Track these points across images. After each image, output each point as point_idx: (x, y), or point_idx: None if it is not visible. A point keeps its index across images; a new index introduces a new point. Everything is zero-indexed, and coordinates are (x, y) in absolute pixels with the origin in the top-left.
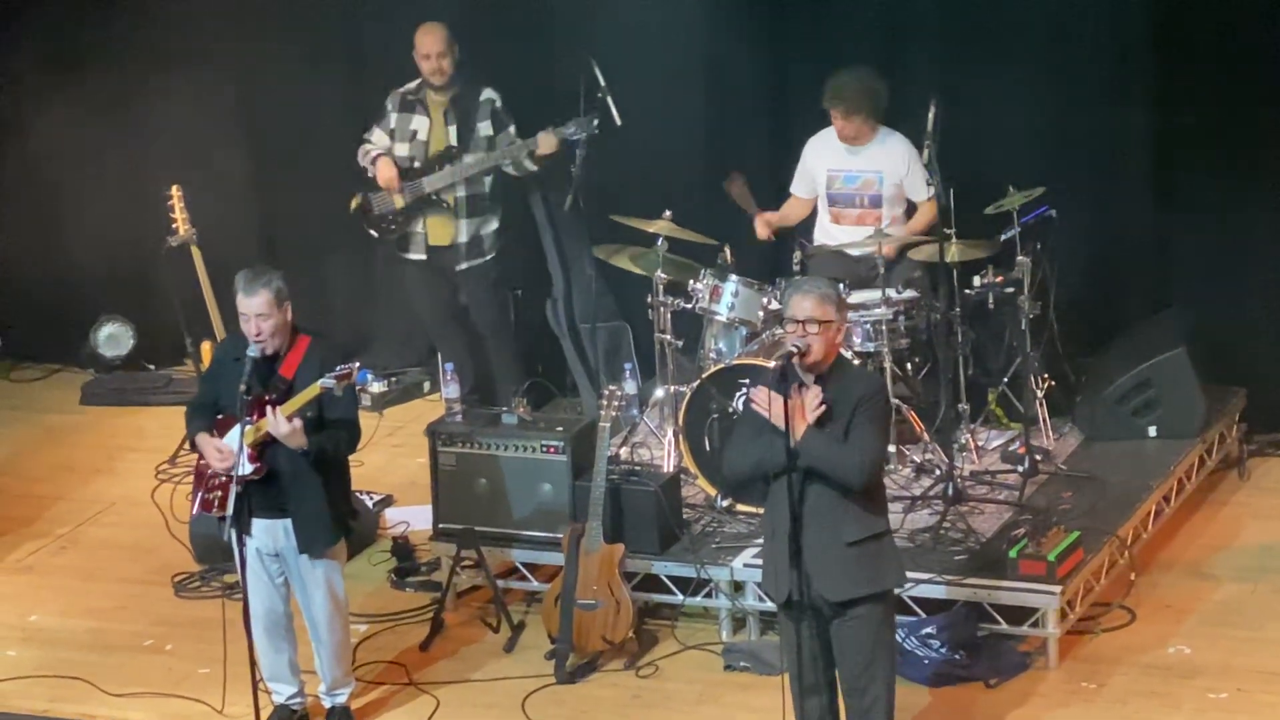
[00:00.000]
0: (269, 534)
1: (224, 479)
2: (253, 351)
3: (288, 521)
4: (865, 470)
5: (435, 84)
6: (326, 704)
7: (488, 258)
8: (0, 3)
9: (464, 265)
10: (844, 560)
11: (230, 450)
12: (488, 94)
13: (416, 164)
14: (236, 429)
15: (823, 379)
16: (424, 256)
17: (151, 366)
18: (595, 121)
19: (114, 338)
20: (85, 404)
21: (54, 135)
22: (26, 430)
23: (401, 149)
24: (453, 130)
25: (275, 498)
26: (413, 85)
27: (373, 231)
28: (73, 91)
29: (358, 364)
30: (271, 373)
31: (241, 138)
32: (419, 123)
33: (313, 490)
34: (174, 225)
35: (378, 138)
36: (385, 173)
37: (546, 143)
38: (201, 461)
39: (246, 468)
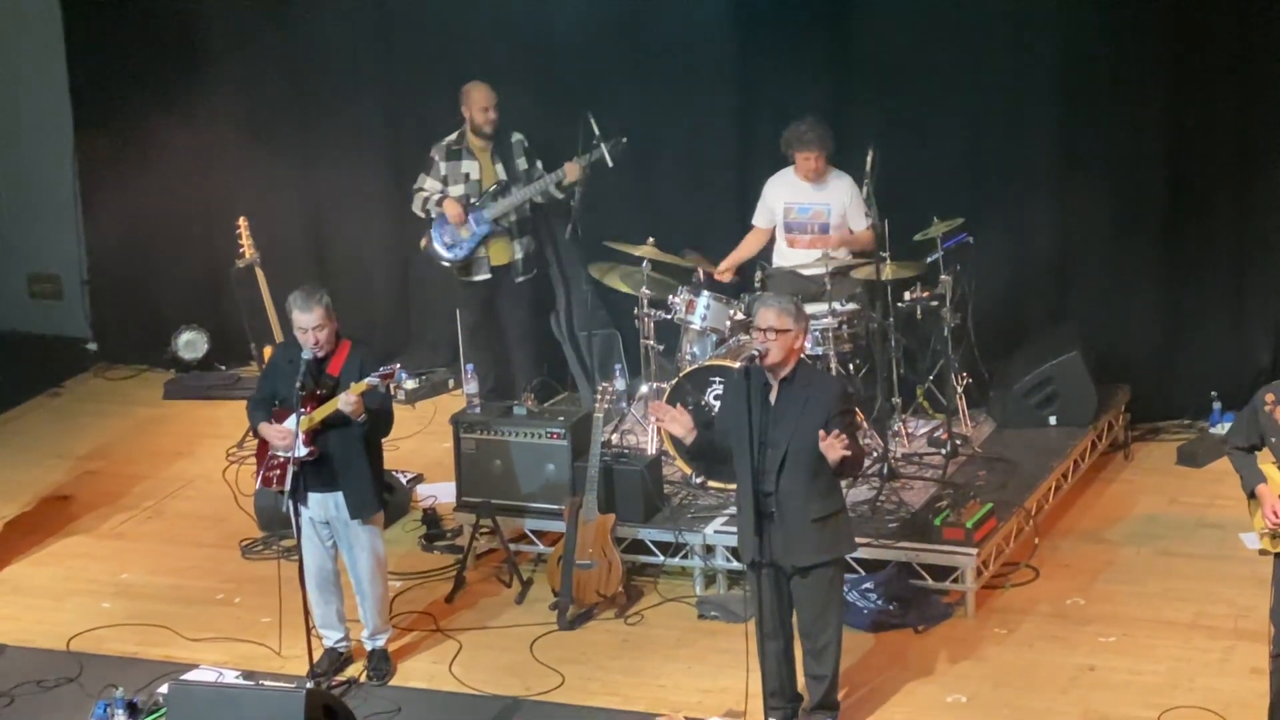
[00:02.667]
0: (321, 505)
1: (283, 460)
2: (306, 355)
3: (338, 495)
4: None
5: (486, 133)
6: (368, 647)
7: (534, 273)
8: (108, 57)
9: (521, 278)
10: (809, 532)
11: (289, 431)
12: (516, 136)
13: (473, 200)
14: (293, 418)
15: (789, 379)
16: (488, 276)
17: (222, 367)
18: (609, 148)
19: (191, 343)
20: (167, 399)
21: (144, 175)
22: (119, 421)
23: (457, 190)
24: (499, 168)
25: (326, 475)
26: (453, 136)
27: (443, 262)
28: (160, 140)
29: (398, 364)
30: (321, 372)
31: (297, 177)
32: (469, 166)
33: (359, 467)
34: (241, 250)
35: (430, 185)
36: (452, 210)
37: (572, 171)
38: (263, 446)
39: (302, 450)
